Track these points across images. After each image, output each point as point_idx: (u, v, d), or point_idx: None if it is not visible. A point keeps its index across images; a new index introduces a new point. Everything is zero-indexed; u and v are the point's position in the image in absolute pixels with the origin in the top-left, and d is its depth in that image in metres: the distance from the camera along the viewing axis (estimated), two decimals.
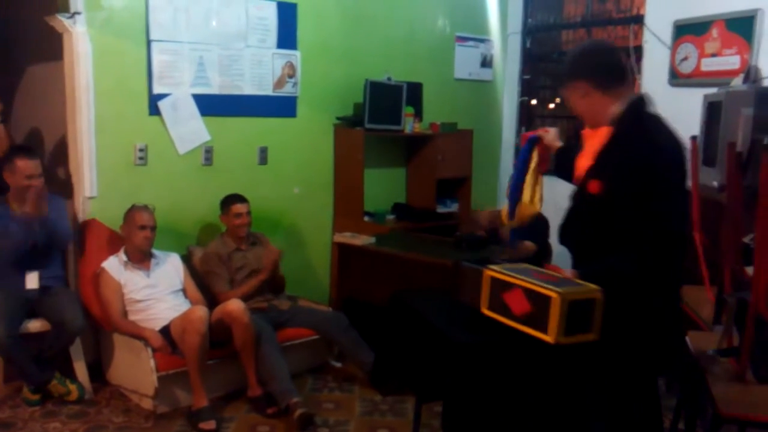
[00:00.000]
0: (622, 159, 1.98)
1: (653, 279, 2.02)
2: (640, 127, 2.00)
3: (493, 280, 1.94)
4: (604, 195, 2.00)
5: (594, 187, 2.02)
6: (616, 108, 2.03)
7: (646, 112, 2.08)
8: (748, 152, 2.88)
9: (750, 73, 3.96)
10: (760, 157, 2.00)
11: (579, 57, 2.11)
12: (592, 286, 1.81)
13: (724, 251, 2.45)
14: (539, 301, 1.75)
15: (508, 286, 1.87)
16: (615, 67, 2.07)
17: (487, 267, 2.02)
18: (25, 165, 3.55)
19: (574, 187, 2.23)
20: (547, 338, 1.76)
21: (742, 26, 4.10)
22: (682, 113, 4.28)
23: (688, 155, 2.07)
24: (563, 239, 2.23)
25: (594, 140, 2.11)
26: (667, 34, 4.56)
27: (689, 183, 2.66)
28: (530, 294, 1.79)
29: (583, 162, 2.13)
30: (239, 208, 3.92)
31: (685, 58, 4.45)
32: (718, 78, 4.17)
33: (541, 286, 1.75)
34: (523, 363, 2.15)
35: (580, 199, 2.16)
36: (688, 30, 4.43)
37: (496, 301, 1.94)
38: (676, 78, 4.51)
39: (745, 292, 2.17)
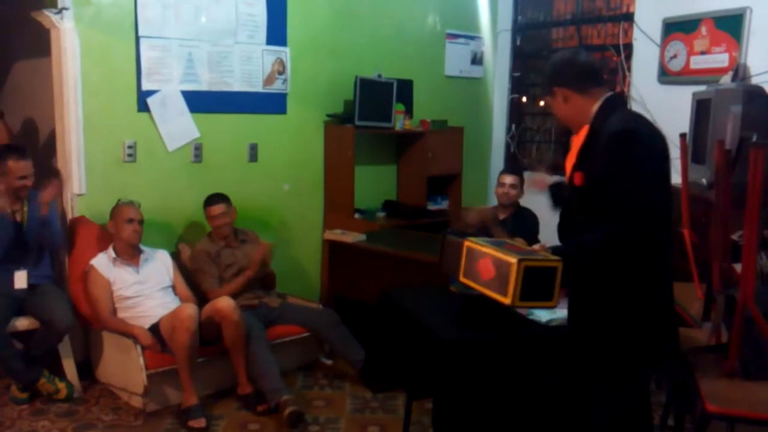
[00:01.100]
0: (596, 145, 2.11)
1: (629, 266, 2.04)
2: (612, 116, 2.12)
3: (470, 249, 2.12)
4: (586, 184, 2.11)
5: (578, 179, 2.14)
6: (594, 107, 2.17)
7: (620, 105, 2.22)
8: (736, 150, 2.89)
9: (738, 71, 3.98)
10: (749, 154, 2.01)
11: (556, 66, 2.26)
12: (553, 257, 1.93)
13: (712, 248, 2.47)
14: (501, 267, 1.91)
15: (481, 254, 2.04)
16: (589, 69, 2.22)
17: (467, 238, 2.20)
18: (17, 166, 3.52)
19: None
20: (505, 300, 1.90)
21: (730, 24, 4.12)
22: (671, 111, 4.32)
23: (668, 146, 2.12)
24: (561, 237, 2.30)
25: (578, 141, 2.24)
26: (656, 32, 4.58)
27: (678, 179, 2.68)
28: (495, 261, 1.94)
29: (569, 162, 2.26)
30: (213, 210, 3.89)
31: (675, 56, 4.47)
32: (707, 76, 4.19)
33: (505, 254, 1.90)
34: (511, 360, 2.16)
35: (569, 195, 2.27)
36: (677, 28, 4.44)
37: (471, 269, 2.11)
38: (666, 75, 4.53)
39: (733, 289, 2.19)
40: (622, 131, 2.05)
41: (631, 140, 2.03)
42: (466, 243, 2.15)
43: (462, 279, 2.18)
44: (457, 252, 2.19)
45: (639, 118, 2.18)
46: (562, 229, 2.30)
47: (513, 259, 1.87)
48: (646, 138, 2.05)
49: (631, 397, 2.13)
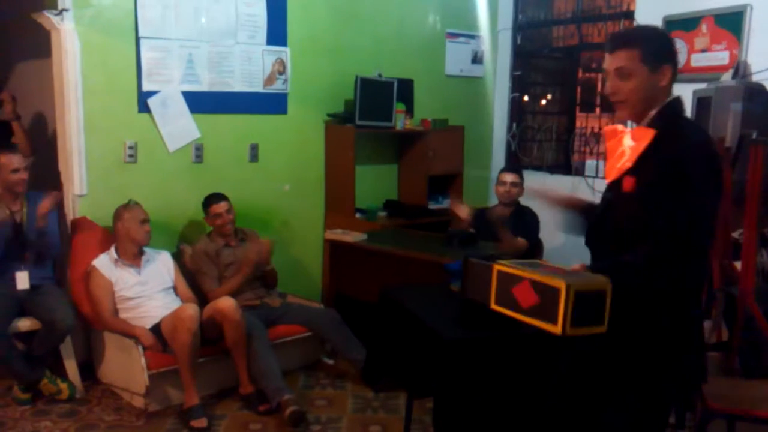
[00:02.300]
0: (657, 156, 1.91)
1: (665, 286, 1.90)
2: (682, 121, 1.96)
3: (501, 274, 1.91)
4: (636, 192, 1.93)
5: (628, 184, 1.95)
6: (657, 106, 1.96)
7: (683, 111, 2.02)
8: (736, 147, 2.89)
9: (739, 69, 3.98)
10: (749, 152, 2.01)
11: (670, 42, 2.02)
12: (601, 277, 1.76)
13: (713, 246, 2.46)
14: (547, 293, 1.73)
15: (516, 279, 1.84)
16: (675, 56, 1.99)
17: (496, 261, 1.99)
18: (9, 160, 3.53)
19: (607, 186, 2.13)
20: (555, 330, 1.73)
21: (731, 22, 4.12)
22: None
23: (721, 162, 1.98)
24: (590, 240, 2.14)
25: (614, 140, 2.04)
26: None
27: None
28: (537, 286, 1.77)
29: (613, 162, 2.04)
30: (216, 208, 3.90)
31: None
32: (708, 73, 4.19)
33: (549, 277, 1.73)
34: (511, 359, 2.16)
35: (613, 198, 2.07)
36: (677, 25, 4.44)
37: (505, 296, 1.91)
38: None
39: (733, 287, 2.18)
40: (690, 152, 1.85)
41: (702, 167, 1.84)
42: (497, 267, 1.94)
43: (494, 307, 1.97)
44: (486, 277, 1.97)
45: (703, 135, 1.98)
46: (595, 232, 2.14)
47: (561, 284, 1.69)
48: (711, 163, 1.87)
49: (649, 415, 2.00)
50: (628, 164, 1.95)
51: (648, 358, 1.93)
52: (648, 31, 2.04)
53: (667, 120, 1.93)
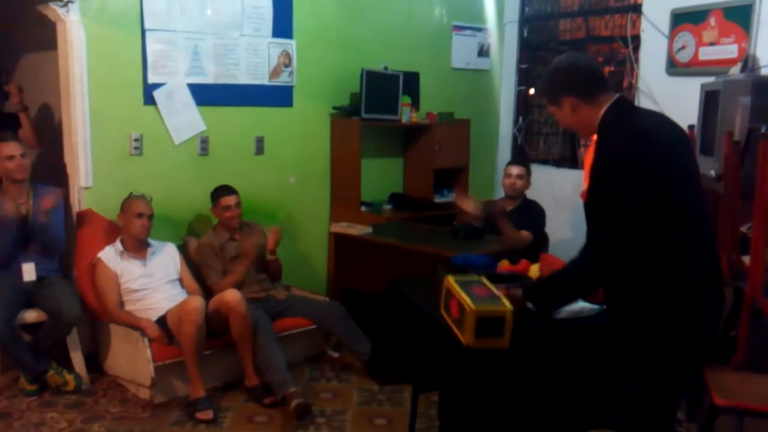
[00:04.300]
0: (594, 160, 2.03)
1: (653, 270, 1.96)
2: (614, 126, 2.03)
3: (447, 287, 2.29)
4: (587, 200, 2.07)
5: (583, 195, 2.13)
6: (599, 114, 2.07)
7: (625, 111, 2.09)
8: (745, 141, 2.87)
9: (748, 62, 3.95)
10: (757, 146, 2.00)
11: (561, 73, 2.16)
12: (507, 305, 2.08)
13: (721, 241, 2.45)
14: (462, 310, 2.11)
15: (453, 294, 2.22)
16: (594, 74, 2.13)
17: (449, 275, 2.33)
18: (5, 147, 3.53)
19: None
20: (463, 340, 2.11)
21: (740, 15, 4.09)
22: (680, 102, 4.29)
23: (685, 147, 2.04)
24: None
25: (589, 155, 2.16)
26: (664, 23, 4.54)
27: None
28: (460, 304, 2.14)
29: (585, 177, 2.18)
30: (227, 200, 3.89)
31: (683, 47, 4.43)
32: (716, 67, 4.16)
33: (466, 299, 2.09)
34: (518, 352, 2.15)
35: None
36: (685, 19, 4.41)
37: (447, 305, 2.29)
38: (674, 67, 4.50)
39: (742, 282, 2.17)
40: (613, 148, 1.98)
41: (625, 156, 1.94)
42: (446, 280, 2.29)
43: (441, 311, 2.33)
44: (440, 286, 2.36)
45: (642, 123, 2.04)
46: None
47: (468, 308, 2.08)
48: (638, 147, 1.93)
49: (651, 399, 2.03)
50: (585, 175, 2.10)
51: (645, 337, 2.00)
52: (546, 71, 2.24)
53: (600, 130, 2.07)
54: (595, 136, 2.14)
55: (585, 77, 2.10)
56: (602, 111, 2.06)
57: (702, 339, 2.00)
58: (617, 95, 2.10)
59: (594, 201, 2.02)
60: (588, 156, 2.17)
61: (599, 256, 1.99)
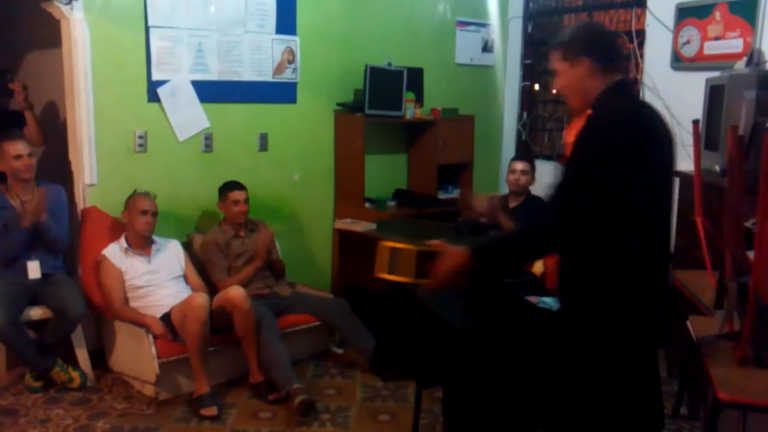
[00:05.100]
0: (584, 130, 1.96)
1: (604, 263, 1.93)
2: (614, 103, 1.97)
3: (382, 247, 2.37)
4: (563, 174, 2.00)
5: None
6: (599, 90, 2.00)
7: (623, 93, 2.02)
8: (750, 136, 2.86)
9: (753, 57, 3.93)
10: (762, 140, 1.98)
11: (589, 32, 2.08)
12: (414, 246, 2.21)
13: (725, 236, 2.44)
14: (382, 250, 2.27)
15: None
16: (618, 48, 2.07)
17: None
18: (12, 146, 3.54)
19: None
20: (376, 272, 2.27)
21: (745, 9, 4.06)
22: (685, 97, 4.28)
23: (668, 143, 1.98)
24: None
25: (572, 131, 2.10)
26: (669, 18, 4.52)
27: (691, 166, 2.59)
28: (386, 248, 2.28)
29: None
30: (237, 195, 3.91)
31: (688, 42, 4.41)
32: (721, 61, 4.14)
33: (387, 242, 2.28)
34: (521, 348, 2.15)
35: None
36: (690, 13, 4.39)
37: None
38: (679, 62, 4.48)
39: (746, 277, 2.16)
40: (605, 118, 1.91)
41: (598, 139, 1.89)
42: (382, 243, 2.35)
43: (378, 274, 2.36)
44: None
45: (630, 109, 1.97)
46: None
47: (383, 243, 2.26)
48: (614, 132, 1.88)
49: (607, 391, 2.00)
50: (565, 155, 2.07)
51: (593, 329, 1.98)
52: (570, 29, 2.14)
53: (598, 104, 1.99)
54: (577, 121, 2.06)
55: (611, 45, 2.05)
56: (605, 86, 1.99)
57: (648, 337, 1.99)
58: (623, 75, 2.04)
59: (572, 170, 1.94)
60: (570, 132, 2.10)
61: (559, 221, 1.95)
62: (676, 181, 3.81)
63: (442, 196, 5.13)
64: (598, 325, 1.96)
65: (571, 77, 2.04)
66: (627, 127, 1.88)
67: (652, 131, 1.93)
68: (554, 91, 2.09)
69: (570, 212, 1.91)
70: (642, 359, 2.01)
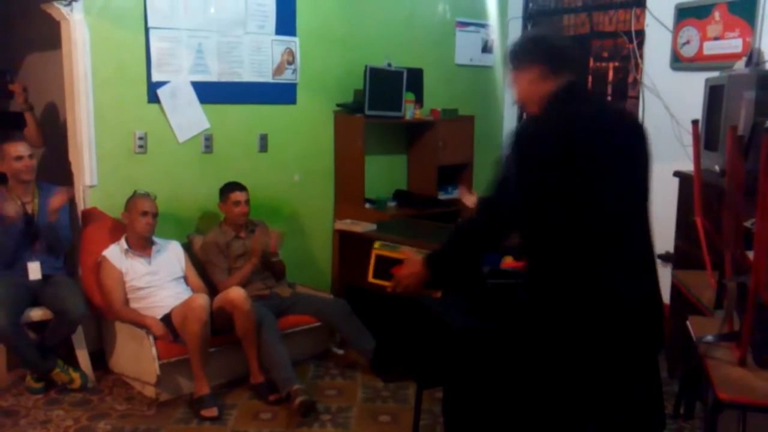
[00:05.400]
0: (517, 130, 2.09)
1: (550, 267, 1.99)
2: (552, 106, 2.02)
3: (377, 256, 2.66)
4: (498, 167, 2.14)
5: None
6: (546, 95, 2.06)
7: (570, 95, 2.05)
8: (749, 136, 2.86)
9: (752, 57, 3.93)
10: (761, 140, 1.98)
11: (537, 40, 2.15)
12: (406, 254, 2.44)
13: (725, 236, 2.44)
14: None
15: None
16: (567, 51, 2.11)
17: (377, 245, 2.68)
18: (13, 148, 3.55)
19: None
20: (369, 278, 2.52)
21: (744, 9, 4.07)
22: (684, 97, 4.28)
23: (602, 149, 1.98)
24: None
25: None
26: (668, 18, 4.52)
27: (690, 167, 2.59)
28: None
29: None
30: (238, 196, 3.91)
31: (687, 42, 4.42)
32: (721, 61, 4.14)
33: (384, 250, 2.52)
34: (521, 349, 2.15)
35: None
36: (690, 13, 4.39)
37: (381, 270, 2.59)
38: (678, 62, 4.48)
39: (745, 277, 2.16)
40: (528, 125, 2.05)
41: (527, 136, 1.98)
42: (374, 250, 2.64)
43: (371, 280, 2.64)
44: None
45: (559, 115, 1.99)
46: None
47: (374, 251, 2.48)
48: (540, 139, 1.95)
49: (641, 381, 2.04)
50: None
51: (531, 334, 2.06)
52: (518, 39, 2.22)
53: (544, 106, 2.05)
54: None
55: (559, 47, 2.09)
56: (552, 88, 2.03)
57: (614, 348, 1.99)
58: (573, 77, 2.07)
59: (499, 170, 2.06)
60: None
61: (486, 216, 2.08)
62: (675, 181, 3.84)
63: (442, 196, 5.14)
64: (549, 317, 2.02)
65: (524, 85, 2.11)
66: (545, 134, 1.95)
67: (586, 132, 1.95)
68: (515, 103, 2.16)
69: (494, 209, 2.04)
70: (598, 352, 2.00)
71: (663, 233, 4.08)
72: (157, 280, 3.69)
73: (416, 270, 2.23)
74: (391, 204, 5.02)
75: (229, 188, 3.94)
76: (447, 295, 2.56)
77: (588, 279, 1.96)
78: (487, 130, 5.63)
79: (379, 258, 2.47)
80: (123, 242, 3.71)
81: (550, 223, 1.96)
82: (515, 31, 5.71)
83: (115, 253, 3.68)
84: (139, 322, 3.55)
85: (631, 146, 2.02)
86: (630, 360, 2.02)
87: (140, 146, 3.96)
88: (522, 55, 2.12)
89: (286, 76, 4.48)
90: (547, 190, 1.93)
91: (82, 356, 3.69)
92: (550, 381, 2.04)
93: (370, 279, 2.48)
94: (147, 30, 3.88)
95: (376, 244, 2.50)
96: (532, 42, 2.15)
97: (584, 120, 1.98)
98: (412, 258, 2.30)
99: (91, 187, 3.84)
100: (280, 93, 4.47)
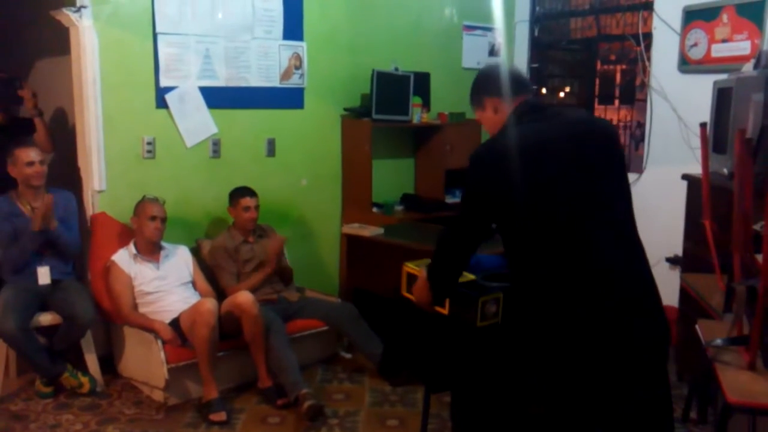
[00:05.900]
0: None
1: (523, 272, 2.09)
2: (503, 129, 2.18)
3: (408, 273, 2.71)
4: None
5: None
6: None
7: (520, 115, 2.17)
8: (758, 139, 2.85)
9: (761, 59, 3.90)
10: None
11: (484, 77, 2.32)
12: (420, 270, 2.50)
13: (734, 239, 2.43)
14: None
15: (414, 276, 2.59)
16: (516, 77, 2.25)
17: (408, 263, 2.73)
18: (25, 153, 3.56)
19: None
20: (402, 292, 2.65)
21: (752, 11, 4.05)
22: (692, 100, 4.27)
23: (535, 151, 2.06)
24: None
25: None
26: (676, 20, 4.51)
27: (698, 170, 2.58)
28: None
29: None
30: (248, 201, 3.92)
31: (695, 44, 4.40)
32: (729, 64, 4.12)
33: (409, 267, 2.64)
34: (529, 353, 2.15)
35: None
36: (698, 15, 4.38)
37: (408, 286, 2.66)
38: (686, 64, 4.47)
39: (754, 280, 2.15)
40: (483, 148, 2.17)
41: (481, 158, 2.13)
42: (404, 267, 2.71)
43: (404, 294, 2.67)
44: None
45: (501, 140, 2.14)
46: None
47: (406, 268, 2.63)
48: (489, 160, 2.09)
49: (648, 387, 2.05)
50: None
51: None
52: (472, 82, 2.38)
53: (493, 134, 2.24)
54: None
55: (500, 79, 2.23)
56: (507, 113, 2.18)
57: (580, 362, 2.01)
58: (523, 98, 2.19)
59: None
60: None
61: (447, 234, 2.25)
62: (683, 185, 3.82)
63: (449, 200, 5.13)
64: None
65: (485, 120, 2.29)
66: (491, 155, 2.10)
67: (529, 146, 2.04)
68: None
69: (455, 229, 2.22)
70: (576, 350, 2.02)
71: (671, 236, 4.08)
72: (165, 285, 3.70)
73: (423, 284, 2.40)
74: (399, 208, 5.02)
75: (239, 193, 3.95)
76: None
77: (551, 286, 2.02)
78: None
79: (409, 276, 2.66)
80: (132, 247, 3.72)
81: (509, 237, 2.10)
82: (522, 35, 5.71)
83: (123, 258, 3.70)
84: (147, 327, 3.56)
85: (586, 152, 2.06)
86: (630, 364, 2.01)
87: (149, 151, 3.98)
88: (474, 97, 2.32)
89: (294, 81, 4.49)
90: (497, 206, 2.07)
91: (91, 360, 3.70)
92: (553, 386, 2.04)
93: (403, 293, 2.67)
94: (155, 36, 3.91)
95: (409, 265, 2.69)
96: (475, 82, 2.32)
97: (528, 135, 2.08)
98: (422, 273, 2.43)
99: (99, 192, 3.86)
100: (287, 98, 4.48)
